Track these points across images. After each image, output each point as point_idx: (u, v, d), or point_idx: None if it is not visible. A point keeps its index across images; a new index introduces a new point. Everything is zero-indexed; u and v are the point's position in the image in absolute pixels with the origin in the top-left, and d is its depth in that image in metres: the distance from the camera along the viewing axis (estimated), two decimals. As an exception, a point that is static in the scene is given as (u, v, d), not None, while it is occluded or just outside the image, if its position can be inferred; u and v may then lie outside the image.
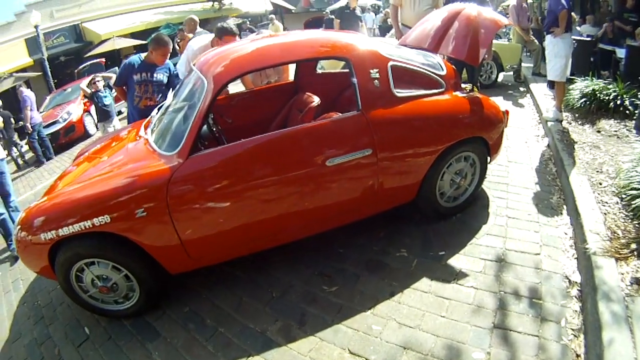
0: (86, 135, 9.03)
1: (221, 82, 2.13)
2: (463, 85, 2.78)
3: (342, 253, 2.56)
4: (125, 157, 2.44)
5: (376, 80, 2.32)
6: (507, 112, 2.77)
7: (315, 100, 2.68)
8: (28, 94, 7.78)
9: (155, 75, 3.69)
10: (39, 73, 12.89)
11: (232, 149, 2.17)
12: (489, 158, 2.73)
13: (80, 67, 13.13)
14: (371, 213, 2.53)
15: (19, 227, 2.12)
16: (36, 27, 11.74)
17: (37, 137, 7.83)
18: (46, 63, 12.46)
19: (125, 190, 2.02)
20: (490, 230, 2.56)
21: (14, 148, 7.98)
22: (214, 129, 2.58)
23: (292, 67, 3.53)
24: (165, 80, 3.76)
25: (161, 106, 2.86)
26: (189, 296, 2.41)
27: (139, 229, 2.05)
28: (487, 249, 2.37)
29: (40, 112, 9.95)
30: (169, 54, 3.74)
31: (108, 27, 15.34)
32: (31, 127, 7.66)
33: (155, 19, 15.97)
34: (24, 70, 13.38)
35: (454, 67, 2.83)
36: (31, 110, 7.67)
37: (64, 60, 15.49)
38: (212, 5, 18.53)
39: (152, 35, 3.77)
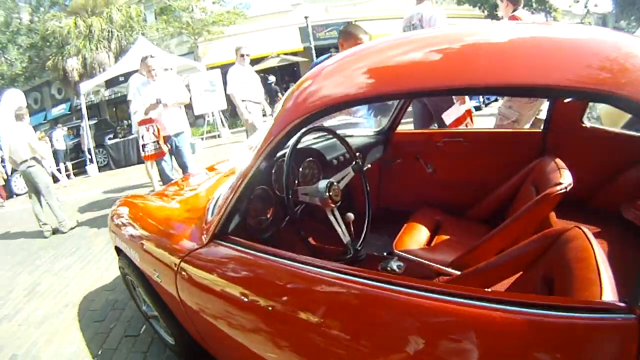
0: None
1: (288, 121, 1.04)
2: None
3: None
4: (189, 199, 2.01)
5: None
6: None
7: (565, 179, 1.30)
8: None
9: None
10: (306, 59, 14.86)
11: (269, 264, 1.13)
12: None
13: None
14: None
15: (115, 206, 2.08)
16: (306, 17, 13.47)
17: None
18: (313, 51, 14.18)
19: (154, 245, 1.60)
20: None
21: None
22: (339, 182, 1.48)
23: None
24: None
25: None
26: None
27: (158, 288, 1.65)
28: None
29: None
30: None
31: (379, 29, 15.97)
32: None
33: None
34: (294, 54, 15.67)
35: None
36: None
37: (334, 53, 17.34)
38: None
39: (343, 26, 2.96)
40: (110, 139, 10.56)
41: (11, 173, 7.75)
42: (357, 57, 0.99)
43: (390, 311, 0.85)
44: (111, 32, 14.05)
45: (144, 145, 3.89)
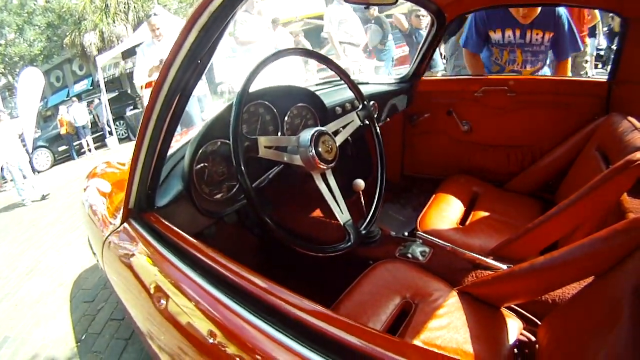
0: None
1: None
2: None
3: None
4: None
5: None
6: None
7: None
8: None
9: (528, 33, 1.93)
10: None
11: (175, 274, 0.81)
12: None
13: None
14: None
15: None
16: (327, -22, 12.58)
17: None
18: (340, 14, 13.49)
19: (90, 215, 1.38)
20: None
21: None
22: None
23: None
24: (546, 42, 1.95)
25: None
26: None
27: None
28: None
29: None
30: None
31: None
32: None
33: None
34: (319, 18, 14.82)
35: None
36: None
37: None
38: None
39: None
40: (130, 110, 10.51)
41: (32, 151, 7.73)
42: None
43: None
44: (128, 4, 13.73)
45: None
